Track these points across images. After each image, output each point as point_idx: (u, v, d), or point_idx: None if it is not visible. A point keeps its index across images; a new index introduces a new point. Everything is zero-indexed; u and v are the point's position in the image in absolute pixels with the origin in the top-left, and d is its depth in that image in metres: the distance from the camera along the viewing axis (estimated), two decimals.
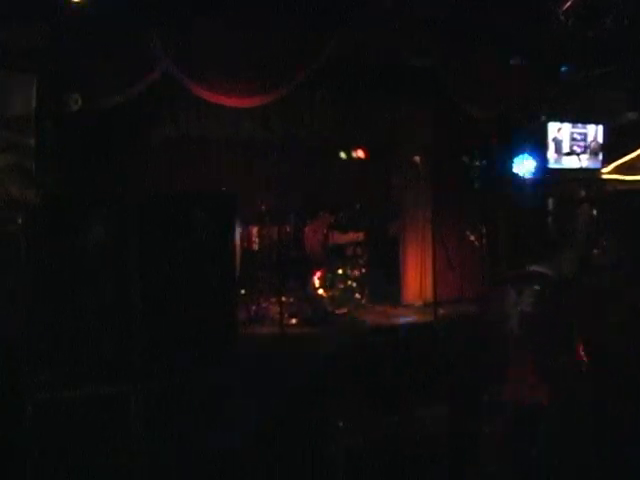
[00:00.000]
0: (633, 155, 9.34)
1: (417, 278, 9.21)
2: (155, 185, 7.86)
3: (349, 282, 8.39)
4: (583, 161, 9.29)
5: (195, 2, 6.85)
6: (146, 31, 6.86)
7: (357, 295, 8.47)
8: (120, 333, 5.18)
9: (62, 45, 6.47)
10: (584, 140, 9.27)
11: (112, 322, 5.17)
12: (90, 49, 6.68)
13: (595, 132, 9.32)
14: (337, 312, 8.18)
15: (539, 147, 9.05)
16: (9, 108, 6.18)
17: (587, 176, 9.39)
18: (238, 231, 7.75)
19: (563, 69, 8.58)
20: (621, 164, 9.35)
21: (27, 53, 6.28)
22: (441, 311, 7.97)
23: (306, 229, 8.63)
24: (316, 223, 8.60)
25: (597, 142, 9.32)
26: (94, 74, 6.83)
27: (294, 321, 7.92)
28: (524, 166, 8.94)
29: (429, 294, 8.76)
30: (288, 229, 8.54)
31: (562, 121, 9.17)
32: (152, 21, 6.86)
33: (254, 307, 8.04)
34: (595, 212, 9.18)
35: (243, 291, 7.99)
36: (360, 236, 8.73)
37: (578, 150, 9.21)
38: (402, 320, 8.09)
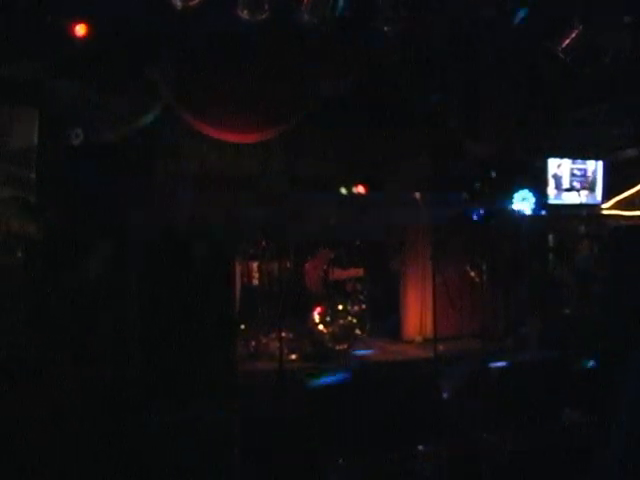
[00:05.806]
0: (633, 191, 9.36)
1: (417, 314, 9.15)
2: (156, 220, 7.85)
3: (349, 318, 8.33)
4: (583, 197, 9.31)
5: (196, 40, 6.92)
6: (148, 66, 6.92)
7: (357, 331, 8.40)
8: (118, 367, 5.14)
9: (64, 79, 6.52)
10: (584, 176, 9.29)
11: (110, 356, 5.14)
12: (92, 83, 6.73)
13: (595, 168, 9.34)
14: (337, 348, 8.12)
15: (539, 183, 9.07)
16: (11, 141, 6.21)
17: (587, 212, 9.39)
18: (238, 266, 7.76)
19: (563, 105, 8.63)
20: (621, 200, 9.37)
21: (29, 87, 6.32)
22: (441, 347, 7.90)
23: (306, 265, 8.60)
24: (316, 259, 8.57)
25: (596, 178, 9.34)
26: (96, 108, 6.86)
27: (294, 357, 7.85)
28: (524, 202, 8.95)
29: (429, 330, 8.70)
30: (288, 265, 8.50)
31: (562, 157, 9.20)
32: (154, 57, 6.92)
33: (254, 343, 7.98)
34: (596, 248, 9.18)
35: (243, 326, 7.96)
36: (360, 272, 8.70)
37: (578, 186, 9.23)
38: None
